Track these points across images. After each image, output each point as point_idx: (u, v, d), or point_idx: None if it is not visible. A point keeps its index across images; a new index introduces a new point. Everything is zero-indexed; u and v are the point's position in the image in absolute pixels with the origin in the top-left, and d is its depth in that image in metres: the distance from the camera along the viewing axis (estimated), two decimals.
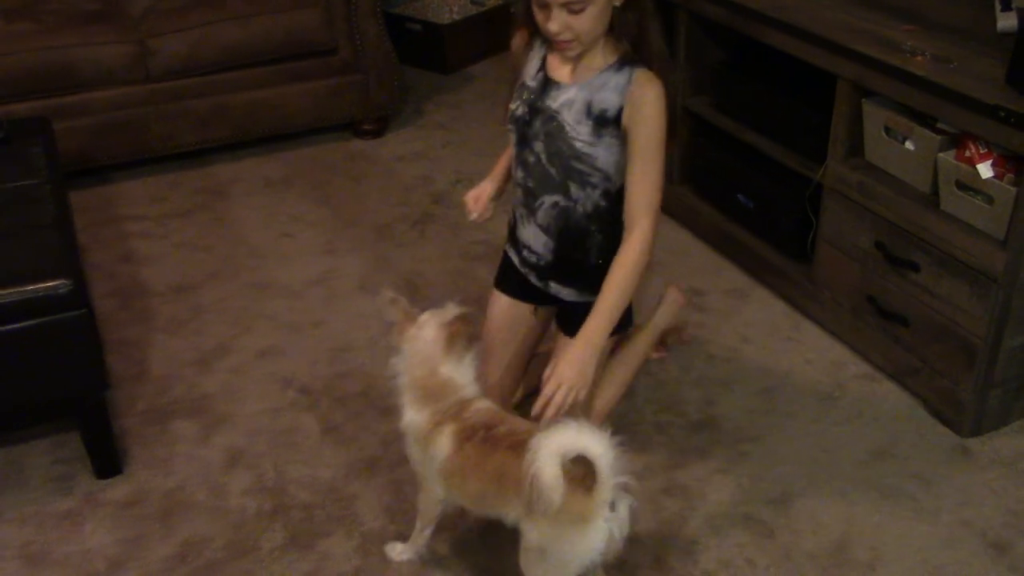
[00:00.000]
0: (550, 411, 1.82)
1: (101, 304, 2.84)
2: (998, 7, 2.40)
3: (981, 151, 2.15)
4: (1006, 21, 2.37)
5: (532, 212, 2.04)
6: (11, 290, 2.02)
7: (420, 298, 2.87)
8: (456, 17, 4.51)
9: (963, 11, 2.54)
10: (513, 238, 2.17)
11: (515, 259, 2.17)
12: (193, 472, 2.27)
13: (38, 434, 2.37)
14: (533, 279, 2.13)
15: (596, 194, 1.98)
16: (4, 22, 3.40)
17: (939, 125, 2.27)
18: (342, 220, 3.31)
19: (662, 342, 2.52)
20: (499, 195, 2.20)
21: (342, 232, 3.24)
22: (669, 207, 3.19)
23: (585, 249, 2.05)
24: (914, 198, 2.33)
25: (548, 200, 2.01)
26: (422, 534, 2.00)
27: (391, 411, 2.42)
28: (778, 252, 2.85)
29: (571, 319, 2.08)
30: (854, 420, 2.39)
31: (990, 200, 2.13)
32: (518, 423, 1.85)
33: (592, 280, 2.02)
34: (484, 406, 1.87)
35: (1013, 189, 2.07)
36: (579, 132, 1.92)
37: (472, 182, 2.20)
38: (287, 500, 2.19)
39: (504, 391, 2.23)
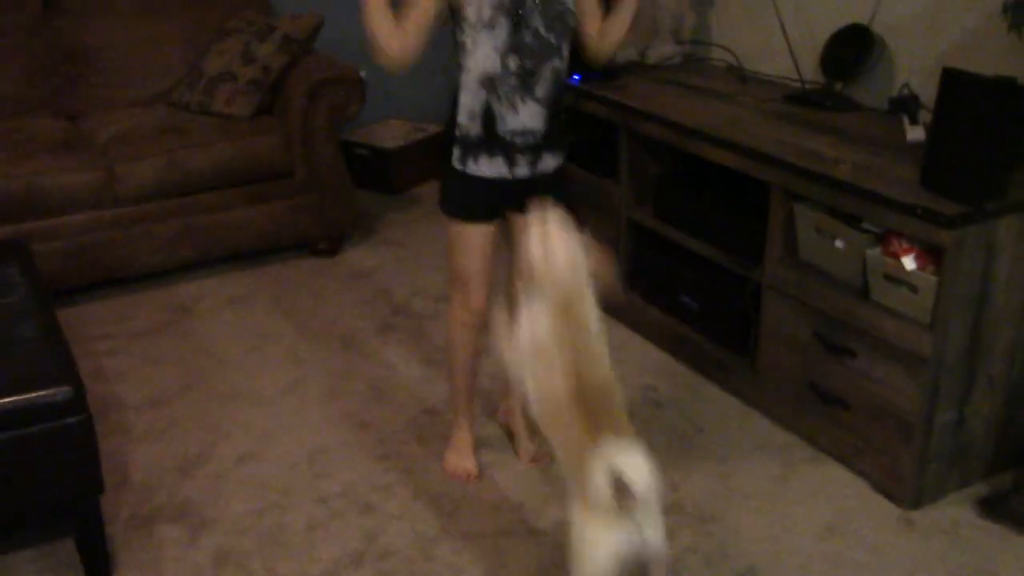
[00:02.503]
0: None
1: None
2: (906, 122, 2.71)
3: (904, 246, 2.41)
4: (914, 134, 2.67)
5: (530, 91, 2.23)
6: (13, 398, 2.11)
7: (386, 402, 3.00)
8: (401, 142, 4.76)
9: (875, 126, 2.86)
10: (491, 140, 2.28)
11: (498, 159, 2.30)
12: (183, 574, 2.33)
13: (21, 544, 2.40)
14: (523, 166, 2.32)
15: (569, 41, 2.24)
16: None
17: (864, 224, 2.53)
18: (307, 332, 3.44)
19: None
20: None
21: (308, 343, 3.37)
22: (618, 312, 3.41)
23: (562, 105, 2.31)
24: (846, 291, 2.58)
25: (547, 69, 2.22)
26: None
27: (371, 507, 2.54)
28: (723, 348, 3.07)
29: (541, 191, 2.28)
30: (806, 499, 2.57)
31: (915, 289, 2.38)
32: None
33: (563, 136, 2.38)
34: None
35: (934, 278, 2.32)
36: None
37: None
38: None
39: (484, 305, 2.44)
